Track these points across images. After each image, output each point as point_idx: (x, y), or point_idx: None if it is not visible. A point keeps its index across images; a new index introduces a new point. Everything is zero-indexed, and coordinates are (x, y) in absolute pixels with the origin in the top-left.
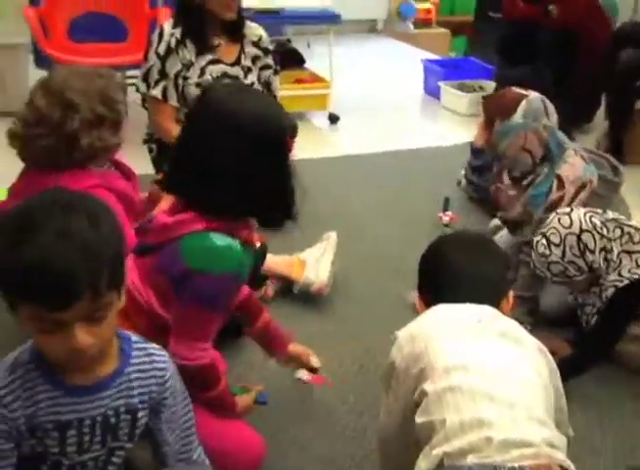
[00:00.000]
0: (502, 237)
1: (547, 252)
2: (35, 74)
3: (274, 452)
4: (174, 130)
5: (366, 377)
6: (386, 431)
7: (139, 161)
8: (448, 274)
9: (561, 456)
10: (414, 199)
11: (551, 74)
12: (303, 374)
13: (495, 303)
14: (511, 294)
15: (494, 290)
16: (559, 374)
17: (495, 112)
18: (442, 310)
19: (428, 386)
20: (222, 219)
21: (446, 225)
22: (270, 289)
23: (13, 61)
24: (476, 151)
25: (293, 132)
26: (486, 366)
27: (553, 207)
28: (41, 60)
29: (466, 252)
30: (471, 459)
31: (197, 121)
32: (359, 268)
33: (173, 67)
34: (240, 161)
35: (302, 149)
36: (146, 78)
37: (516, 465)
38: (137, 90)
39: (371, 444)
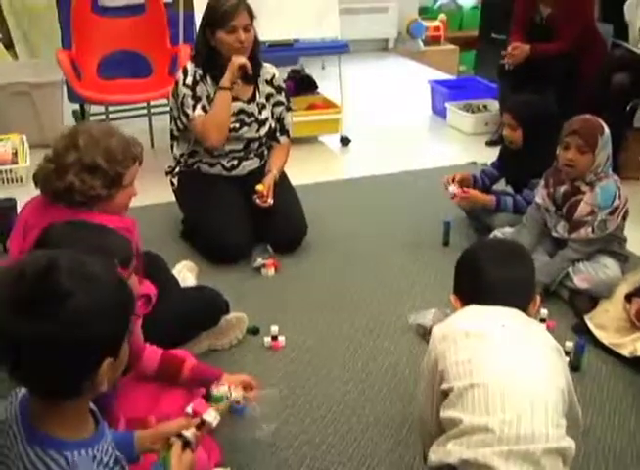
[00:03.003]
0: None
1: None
2: (68, 107)
3: None
4: (212, 114)
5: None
6: (423, 415)
7: (164, 191)
8: (482, 279)
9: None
10: (419, 220)
11: (554, 98)
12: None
13: (524, 305)
14: (538, 297)
15: (524, 294)
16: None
17: (595, 132)
18: (472, 314)
19: (454, 382)
20: None
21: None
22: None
23: (48, 97)
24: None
25: (126, 263)
26: (505, 372)
27: (614, 212)
28: (74, 95)
29: (499, 259)
30: None
31: None
32: (365, 289)
33: (202, 92)
34: None
35: (316, 172)
36: (184, 111)
37: None
38: (172, 134)
39: None
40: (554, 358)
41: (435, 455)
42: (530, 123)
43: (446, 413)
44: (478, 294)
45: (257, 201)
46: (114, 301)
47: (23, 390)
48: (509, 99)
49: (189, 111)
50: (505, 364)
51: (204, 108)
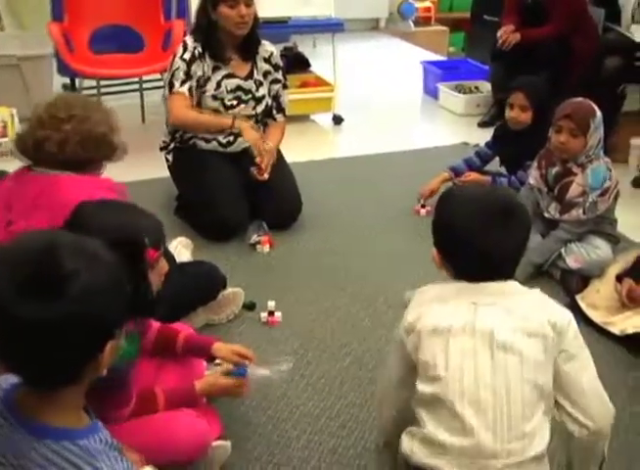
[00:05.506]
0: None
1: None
2: (58, 81)
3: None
4: (197, 114)
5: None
6: (385, 384)
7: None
8: (461, 242)
9: None
10: (412, 198)
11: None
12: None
13: (509, 273)
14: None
15: (510, 262)
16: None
17: (588, 116)
18: (446, 297)
19: (421, 384)
20: None
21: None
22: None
23: (37, 70)
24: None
25: (157, 244)
26: (469, 383)
27: (604, 193)
28: (64, 68)
29: (482, 218)
30: None
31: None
32: (359, 266)
33: (197, 70)
34: None
35: (308, 150)
36: (171, 81)
37: None
38: (163, 96)
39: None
40: (536, 350)
41: (403, 445)
42: (543, 104)
43: (415, 408)
44: (455, 256)
45: (254, 173)
46: (116, 280)
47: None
48: (518, 79)
49: (176, 83)
50: (469, 373)
51: (190, 89)
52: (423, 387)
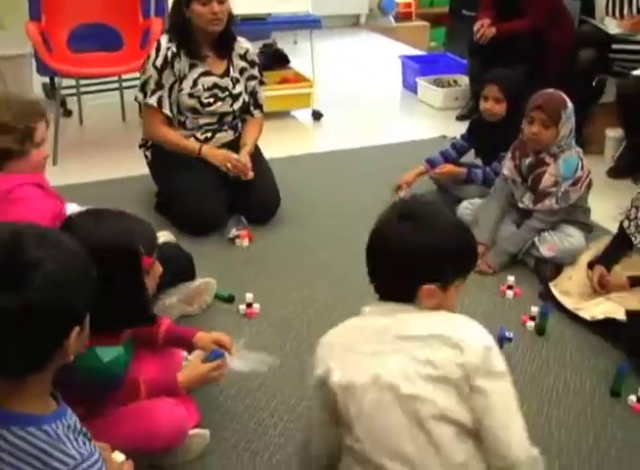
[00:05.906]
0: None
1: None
2: (38, 80)
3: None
4: (167, 133)
5: None
6: (310, 429)
7: (137, 164)
8: (370, 247)
9: None
10: (390, 192)
11: (523, 73)
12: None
13: (410, 288)
14: (433, 287)
15: (416, 271)
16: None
17: (559, 107)
18: (353, 341)
19: (346, 438)
20: (100, 334)
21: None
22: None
23: (16, 70)
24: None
25: (150, 250)
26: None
27: (576, 182)
28: (43, 68)
29: (392, 221)
30: None
31: None
32: (337, 259)
33: (169, 78)
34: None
35: (288, 146)
36: (143, 88)
37: None
38: (135, 99)
39: None
40: (447, 395)
41: None
42: (517, 96)
43: (345, 456)
44: (369, 267)
45: (235, 173)
46: (81, 268)
47: None
48: (492, 72)
49: (148, 93)
50: (388, 430)
51: (160, 99)
52: (348, 439)
